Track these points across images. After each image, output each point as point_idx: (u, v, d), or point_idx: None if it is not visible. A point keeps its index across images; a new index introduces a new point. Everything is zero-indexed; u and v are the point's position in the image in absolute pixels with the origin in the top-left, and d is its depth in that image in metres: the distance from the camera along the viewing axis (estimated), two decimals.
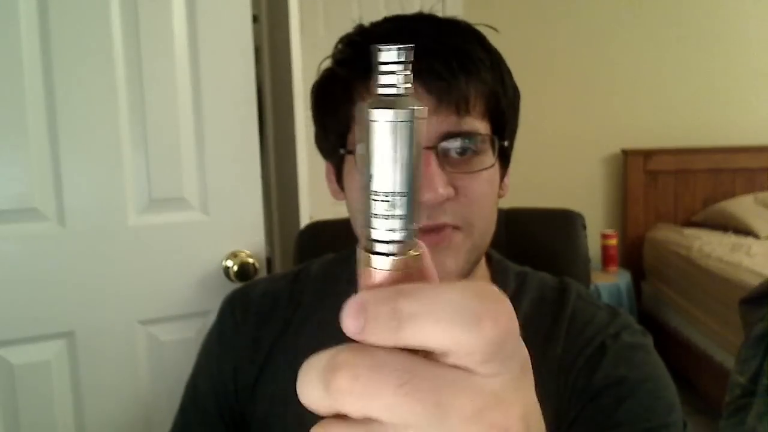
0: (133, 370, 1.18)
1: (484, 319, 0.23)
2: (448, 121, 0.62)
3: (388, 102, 0.24)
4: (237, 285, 1.05)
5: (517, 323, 0.24)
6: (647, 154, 3.30)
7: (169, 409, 0.88)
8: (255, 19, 1.84)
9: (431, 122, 0.62)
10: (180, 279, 1.20)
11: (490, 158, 0.66)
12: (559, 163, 3.29)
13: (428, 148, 0.62)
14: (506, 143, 0.68)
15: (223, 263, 1.22)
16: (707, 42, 3.34)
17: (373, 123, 0.24)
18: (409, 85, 0.24)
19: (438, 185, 0.60)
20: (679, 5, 3.32)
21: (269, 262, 1.98)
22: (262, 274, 1.26)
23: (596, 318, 0.69)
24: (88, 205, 1.12)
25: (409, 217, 0.24)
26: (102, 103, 1.11)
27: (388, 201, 0.24)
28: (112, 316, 1.16)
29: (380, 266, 0.25)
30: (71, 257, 1.12)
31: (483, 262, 0.76)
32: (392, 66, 0.24)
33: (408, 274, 0.25)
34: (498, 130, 0.67)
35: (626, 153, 3.32)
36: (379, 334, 0.23)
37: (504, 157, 0.70)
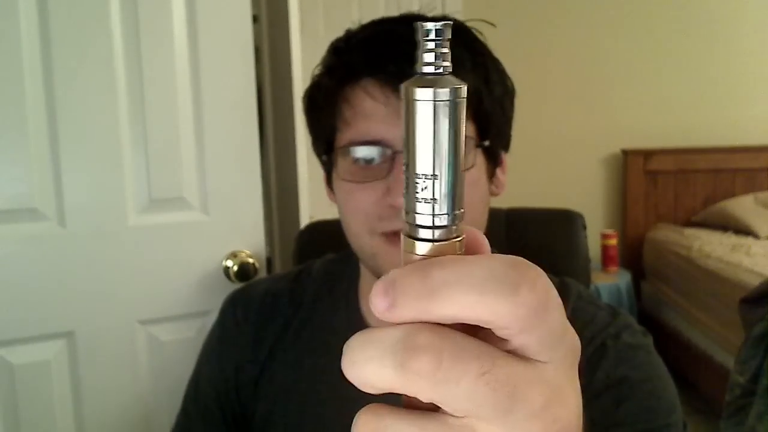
0: (133, 370, 1.18)
1: (521, 285, 0.22)
2: None
3: (429, 81, 0.23)
4: (237, 285, 1.06)
5: (558, 298, 0.23)
6: (647, 154, 3.30)
7: (169, 409, 0.88)
8: (255, 19, 1.84)
9: None
10: (180, 279, 1.20)
11: (471, 159, 0.66)
12: (559, 163, 3.28)
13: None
14: (487, 143, 0.68)
15: (223, 263, 1.22)
16: (707, 42, 3.34)
17: (414, 102, 0.23)
18: (448, 64, 0.23)
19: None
20: (679, 5, 3.32)
21: (269, 262, 1.98)
22: (262, 274, 1.26)
23: (597, 318, 0.69)
24: (88, 205, 1.12)
25: (452, 201, 0.23)
26: (102, 103, 1.11)
27: (428, 184, 0.23)
28: (112, 316, 1.16)
29: (422, 252, 0.23)
30: (71, 257, 1.12)
31: None
32: (431, 42, 0.23)
33: None
34: (483, 129, 0.67)
35: (626, 153, 3.32)
36: (411, 306, 0.22)
37: (491, 156, 0.70)
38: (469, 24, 0.71)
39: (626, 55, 3.30)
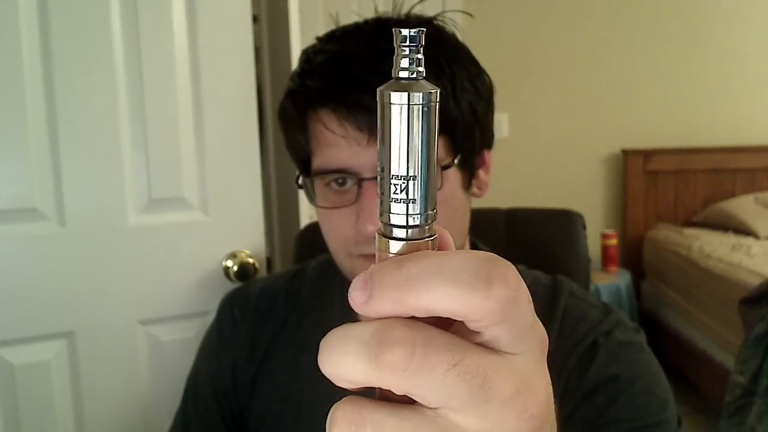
0: (133, 370, 1.18)
1: (494, 279, 0.22)
2: None
3: (404, 85, 0.24)
4: (237, 285, 1.05)
5: (528, 292, 0.24)
6: (647, 154, 3.30)
7: (169, 409, 0.88)
8: (255, 19, 1.84)
9: (368, 154, 0.62)
10: (180, 279, 1.20)
11: (437, 181, 0.64)
12: (559, 163, 3.28)
13: (370, 179, 0.62)
14: (457, 160, 0.66)
15: (223, 263, 1.22)
16: (707, 42, 3.34)
17: (389, 106, 0.24)
18: (422, 69, 0.24)
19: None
20: (679, 5, 3.32)
21: (269, 262, 1.98)
22: (262, 274, 1.26)
23: (588, 315, 0.69)
24: (88, 205, 1.12)
25: (426, 201, 0.24)
26: (102, 103, 1.11)
27: (403, 185, 0.24)
28: (112, 316, 1.16)
29: (395, 250, 0.24)
30: (71, 257, 1.12)
31: None
32: (406, 48, 0.24)
33: None
34: (454, 141, 0.66)
35: (626, 153, 3.32)
36: (387, 299, 0.23)
37: (467, 164, 0.69)
38: (445, 16, 0.70)
39: (626, 55, 3.30)
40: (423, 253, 0.23)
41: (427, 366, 0.22)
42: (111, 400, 1.17)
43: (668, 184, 3.35)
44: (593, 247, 2.82)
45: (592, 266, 2.55)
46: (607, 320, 0.68)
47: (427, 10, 0.72)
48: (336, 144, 0.64)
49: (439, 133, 0.63)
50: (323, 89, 0.65)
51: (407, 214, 0.24)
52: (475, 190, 0.72)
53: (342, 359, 0.23)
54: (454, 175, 0.67)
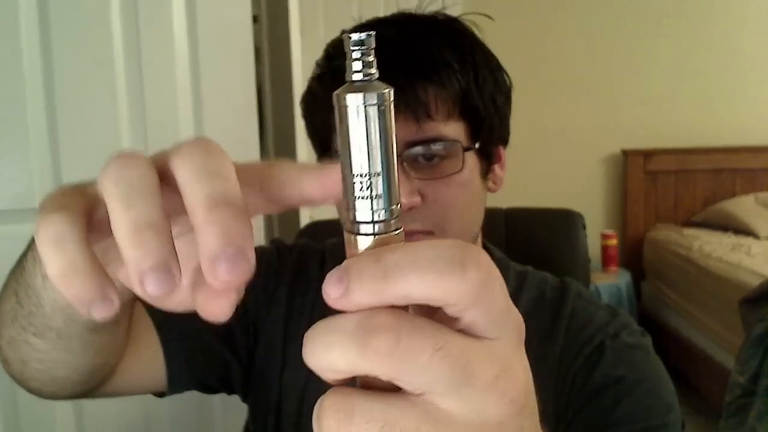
0: None
1: (468, 263, 0.23)
2: (408, 130, 0.62)
3: (358, 87, 0.25)
4: None
5: (501, 276, 0.25)
6: (647, 154, 3.30)
7: (169, 409, 0.88)
8: (255, 19, 1.84)
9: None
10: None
11: (459, 162, 0.65)
12: (559, 163, 3.28)
13: None
14: (477, 144, 0.67)
15: None
16: (707, 42, 3.34)
17: (345, 108, 0.25)
18: (374, 71, 0.25)
19: (401, 195, 0.61)
20: (679, 5, 3.32)
21: None
22: None
23: (596, 317, 0.70)
24: None
25: (388, 197, 0.25)
26: (102, 103, 1.11)
27: (365, 182, 0.25)
28: None
29: (364, 246, 0.25)
30: None
31: None
32: (357, 52, 0.25)
33: None
34: (474, 129, 0.67)
35: (626, 153, 3.32)
36: (365, 290, 0.23)
37: (485, 154, 0.69)
38: (466, 18, 0.71)
39: (627, 54, 3.30)
40: (397, 245, 0.24)
41: (413, 351, 0.22)
42: (111, 400, 1.17)
43: (668, 184, 3.35)
44: (593, 247, 2.82)
45: (592, 266, 2.55)
46: (615, 322, 0.69)
47: (426, 8, 0.72)
48: None
49: (460, 118, 0.64)
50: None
51: (372, 210, 0.25)
52: (490, 184, 0.73)
53: (329, 349, 0.23)
54: (473, 161, 0.67)
